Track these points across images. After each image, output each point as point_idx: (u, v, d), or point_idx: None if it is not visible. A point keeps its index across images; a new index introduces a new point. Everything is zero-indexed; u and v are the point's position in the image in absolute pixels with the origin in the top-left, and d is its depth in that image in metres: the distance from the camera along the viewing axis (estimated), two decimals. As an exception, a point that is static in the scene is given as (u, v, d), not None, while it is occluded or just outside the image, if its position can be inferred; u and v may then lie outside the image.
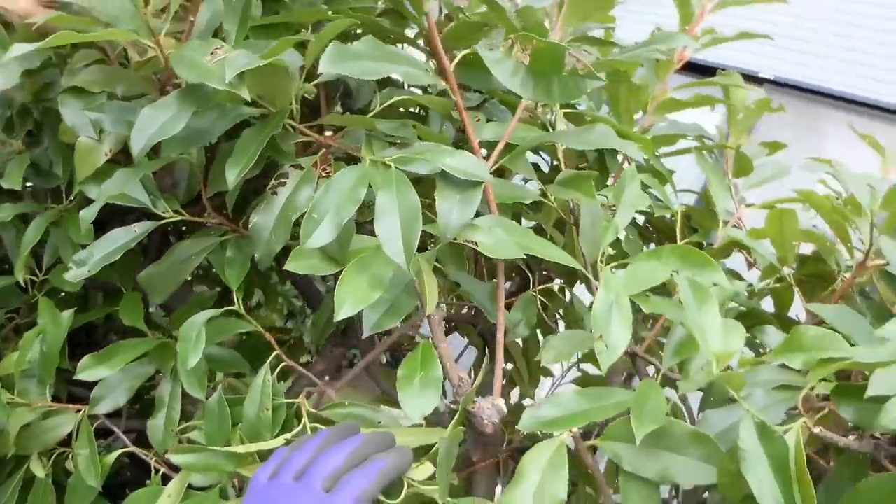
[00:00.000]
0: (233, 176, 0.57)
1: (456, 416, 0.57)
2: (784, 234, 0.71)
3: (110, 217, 0.81)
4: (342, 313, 0.53)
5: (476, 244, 0.58)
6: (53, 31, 0.61)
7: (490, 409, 0.58)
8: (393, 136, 0.61)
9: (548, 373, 1.17)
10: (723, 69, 0.94)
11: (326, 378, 0.87)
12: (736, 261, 0.92)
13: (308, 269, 0.58)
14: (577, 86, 0.56)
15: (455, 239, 0.58)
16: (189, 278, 0.83)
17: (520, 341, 0.93)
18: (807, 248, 0.81)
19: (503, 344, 0.63)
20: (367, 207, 0.57)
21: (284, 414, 0.67)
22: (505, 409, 0.58)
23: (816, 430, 0.44)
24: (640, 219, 0.99)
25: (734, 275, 0.93)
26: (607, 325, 0.55)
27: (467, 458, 0.67)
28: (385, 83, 0.79)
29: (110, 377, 0.76)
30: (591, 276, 0.62)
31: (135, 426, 0.87)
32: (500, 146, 0.64)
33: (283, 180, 0.61)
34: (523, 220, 0.84)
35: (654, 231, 0.99)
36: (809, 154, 0.85)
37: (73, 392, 0.89)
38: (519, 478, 0.51)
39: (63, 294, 0.90)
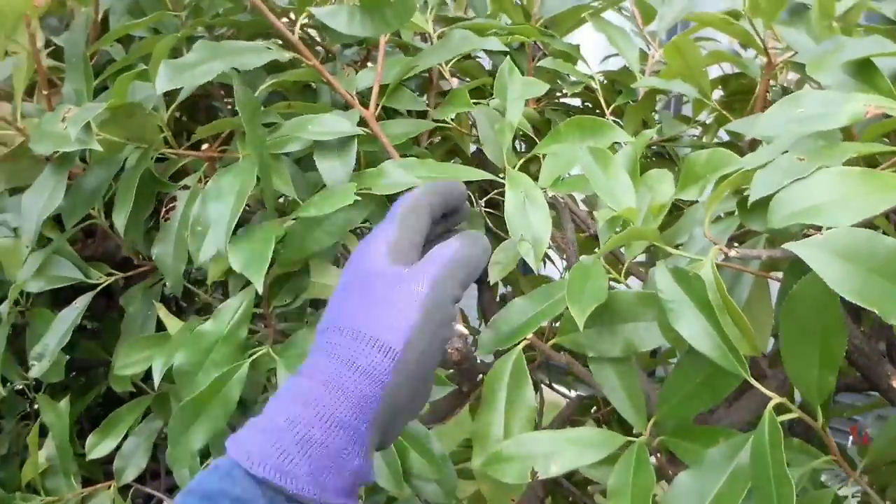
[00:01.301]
0: (121, 221, 0.57)
1: None
2: (689, 65, 0.69)
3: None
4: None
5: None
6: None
7: None
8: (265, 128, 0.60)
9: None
10: None
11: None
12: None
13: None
14: (405, 5, 0.54)
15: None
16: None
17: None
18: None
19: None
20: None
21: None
22: (465, 331, 0.57)
23: (732, 252, 0.42)
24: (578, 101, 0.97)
25: (684, 119, 0.91)
26: (525, 222, 0.54)
27: (460, 393, 0.67)
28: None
29: (124, 446, 0.78)
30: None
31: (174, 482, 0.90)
32: (376, 88, 0.63)
33: (172, 205, 0.61)
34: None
35: (592, 108, 0.96)
36: None
37: (109, 470, 0.92)
38: (487, 398, 0.51)
39: (62, 385, 0.92)
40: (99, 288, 0.71)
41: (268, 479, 0.37)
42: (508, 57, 0.62)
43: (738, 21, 0.67)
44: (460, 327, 0.58)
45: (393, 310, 0.42)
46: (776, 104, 0.41)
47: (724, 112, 0.72)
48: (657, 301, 0.44)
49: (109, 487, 0.79)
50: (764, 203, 0.39)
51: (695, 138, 0.88)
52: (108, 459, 0.79)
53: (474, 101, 0.64)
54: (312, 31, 0.77)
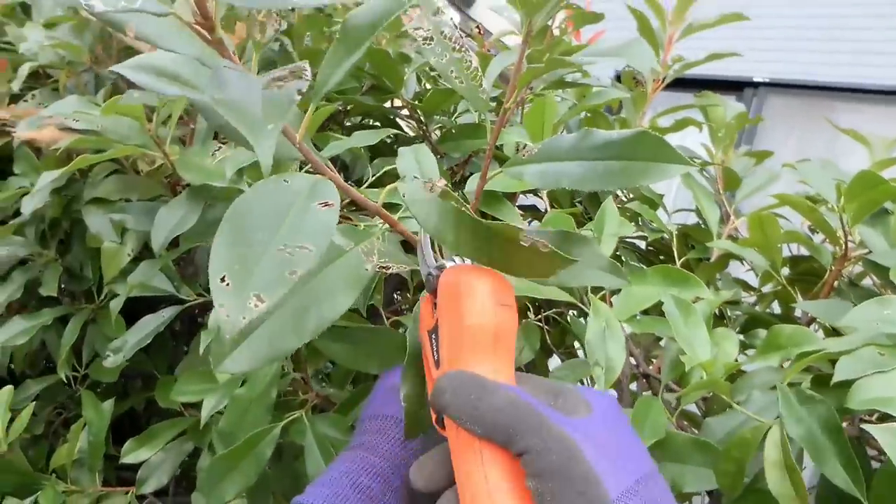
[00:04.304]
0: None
1: None
2: (768, 239, 0.74)
3: (141, 310, 0.87)
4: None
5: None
6: (77, 151, 0.69)
7: None
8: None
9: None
10: (716, 80, 0.99)
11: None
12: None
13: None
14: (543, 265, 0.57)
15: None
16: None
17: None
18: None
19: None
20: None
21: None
22: None
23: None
24: (644, 244, 1.02)
25: (742, 284, 0.96)
26: (602, 349, 0.58)
27: None
28: (377, 153, 0.85)
29: (153, 458, 0.81)
30: (585, 307, 0.65)
31: (182, 501, 0.92)
32: (477, 193, 0.69)
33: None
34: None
35: (657, 253, 1.02)
36: (822, 148, 0.88)
37: (122, 476, 0.95)
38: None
39: (104, 385, 0.96)
40: (187, 305, 0.76)
41: None
42: (610, 196, 0.68)
43: (818, 207, 0.73)
44: None
45: None
46: (866, 303, 0.47)
47: (790, 288, 0.77)
48: (713, 447, 0.48)
49: (127, 493, 0.82)
50: (842, 384, 0.43)
51: (750, 305, 0.93)
52: (124, 466, 0.82)
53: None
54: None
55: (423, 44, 0.45)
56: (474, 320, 0.42)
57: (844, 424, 0.53)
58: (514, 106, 0.86)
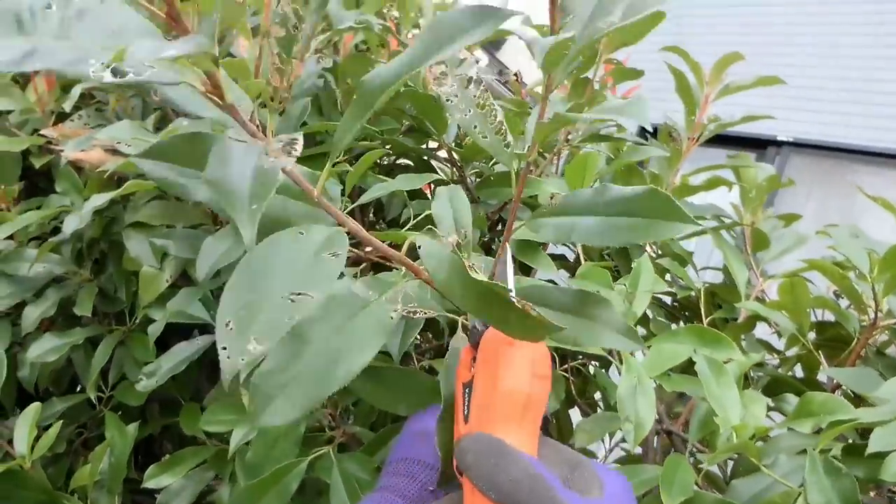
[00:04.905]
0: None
1: None
2: (797, 303, 0.75)
3: (167, 335, 0.88)
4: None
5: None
6: (122, 175, 0.70)
7: None
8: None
9: (591, 453, 1.19)
10: (741, 137, 1.00)
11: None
12: (769, 330, 0.96)
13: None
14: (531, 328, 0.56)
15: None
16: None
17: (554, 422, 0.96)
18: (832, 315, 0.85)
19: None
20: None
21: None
22: None
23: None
24: (669, 299, 1.03)
25: (765, 344, 0.96)
26: (633, 405, 0.59)
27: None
28: (414, 195, 0.87)
29: (173, 484, 0.81)
30: (615, 361, 0.66)
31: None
32: (507, 234, 0.70)
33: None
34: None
35: (683, 310, 1.03)
36: (841, 211, 0.89)
37: (137, 501, 0.95)
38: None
39: (124, 408, 0.97)
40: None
41: None
42: (646, 254, 0.69)
43: (847, 274, 0.74)
44: None
45: None
46: (896, 379, 0.47)
47: (816, 353, 0.77)
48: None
49: (145, 518, 0.82)
50: (877, 456, 0.44)
51: (773, 367, 0.93)
52: (140, 490, 0.82)
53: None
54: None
55: (447, 101, 0.47)
56: (508, 386, 0.43)
57: (872, 494, 0.53)
58: (550, 158, 0.88)
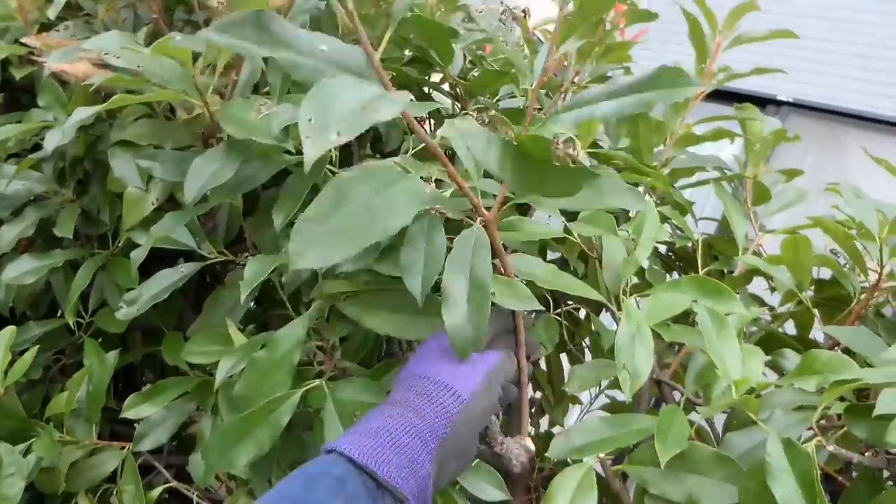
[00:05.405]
0: (280, 220, 0.61)
1: None
2: (799, 260, 0.74)
3: (151, 262, 0.85)
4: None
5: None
6: (109, 89, 0.66)
7: (518, 450, 0.59)
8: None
9: (576, 400, 1.19)
10: (742, 95, 0.98)
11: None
12: (760, 285, 0.95)
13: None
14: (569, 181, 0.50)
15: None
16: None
17: (544, 367, 0.96)
18: (827, 272, 0.84)
19: (529, 373, 0.65)
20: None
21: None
22: (533, 447, 0.60)
23: (830, 447, 0.46)
24: (663, 248, 1.02)
25: (757, 299, 0.95)
26: (630, 354, 0.57)
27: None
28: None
29: (153, 415, 0.79)
30: (614, 308, 0.64)
31: (174, 462, 0.91)
32: (500, 198, 0.66)
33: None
34: (548, 253, 0.87)
35: (677, 260, 1.01)
36: (835, 174, 0.88)
37: (115, 430, 0.93)
38: (548, 501, 0.54)
39: (104, 335, 0.94)
40: (207, 262, 0.74)
41: (365, 465, 0.47)
42: (651, 201, 0.67)
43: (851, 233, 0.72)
44: (529, 444, 0.60)
45: (465, 371, 0.56)
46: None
47: (813, 311, 0.76)
48: (734, 463, 0.48)
49: (123, 448, 0.80)
50: (883, 417, 0.42)
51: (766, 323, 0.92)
52: (119, 420, 0.80)
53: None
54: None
55: (479, 13, 0.49)
56: None
57: (867, 454, 0.52)
58: (555, 99, 0.85)
